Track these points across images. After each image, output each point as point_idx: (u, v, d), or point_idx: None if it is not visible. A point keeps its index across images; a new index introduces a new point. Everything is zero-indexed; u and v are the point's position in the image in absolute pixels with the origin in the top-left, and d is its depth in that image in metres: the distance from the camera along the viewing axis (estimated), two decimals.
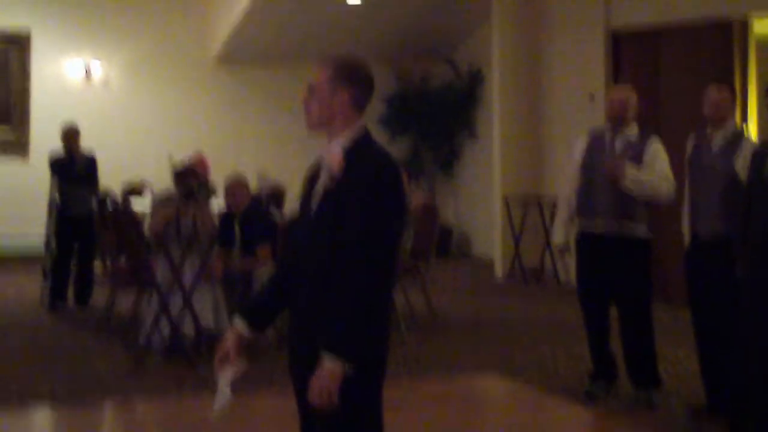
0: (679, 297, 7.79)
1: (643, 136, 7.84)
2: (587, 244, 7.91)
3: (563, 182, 8.45)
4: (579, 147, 8.08)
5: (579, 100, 14.11)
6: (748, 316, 6.36)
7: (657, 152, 7.73)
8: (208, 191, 11.82)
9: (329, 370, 3.77)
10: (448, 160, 18.16)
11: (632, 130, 7.84)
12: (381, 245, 3.86)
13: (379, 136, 16.22)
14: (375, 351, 3.94)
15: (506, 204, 14.87)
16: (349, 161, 3.94)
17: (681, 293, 7.80)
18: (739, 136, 7.31)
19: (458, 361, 9.48)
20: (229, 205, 10.25)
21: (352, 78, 4.04)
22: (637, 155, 7.69)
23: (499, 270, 15.16)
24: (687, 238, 7.48)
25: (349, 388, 3.81)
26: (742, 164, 6.94)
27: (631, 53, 13.58)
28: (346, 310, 3.81)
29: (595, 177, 7.81)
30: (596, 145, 7.94)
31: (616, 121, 7.82)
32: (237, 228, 10.09)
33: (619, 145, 7.79)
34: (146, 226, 10.81)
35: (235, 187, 10.15)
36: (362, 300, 3.82)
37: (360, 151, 3.97)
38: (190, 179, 10.09)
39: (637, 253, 7.74)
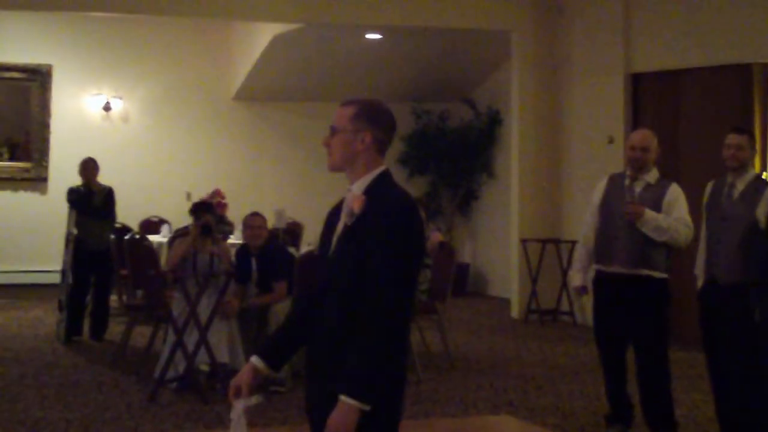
0: (694, 340, 7.74)
1: (663, 181, 7.83)
2: (604, 285, 7.88)
3: (582, 225, 8.43)
4: (598, 190, 8.07)
5: (598, 143, 14.10)
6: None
7: (677, 197, 7.72)
8: (226, 227, 11.86)
9: (346, 410, 3.75)
10: (465, 199, 18.18)
11: (652, 175, 7.83)
12: (399, 287, 3.86)
13: (398, 174, 16.23)
14: (392, 391, 3.92)
15: (523, 244, 14.85)
16: (369, 202, 3.93)
17: (696, 336, 7.75)
18: (761, 182, 7.31)
19: (474, 401, 9.44)
20: (247, 241, 10.26)
21: (375, 120, 4.02)
22: (656, 200, 7.68)
23: (516, 310, 15.12)
24: (700, 281, 7.47)
25: (364, 427, 3.79)
26: (763, 211, 6.93)
27: (651, 96, 13.58)
28: (365, 352, 3.80)
29: (613, 221, 7.80)
30: (616, 189, 7.92)
31: (638, 164, 7.80)
32: (254, 264, 10.10)
33: (638, 189, 7.78)
34: (163, 260, 10.85)
35: (255, 222, 10.16)
36: (381, 341, 3.81)
37: (380, 192, 3.95)
38: (208, 215, 10.11)
39: (655, 294, 7.71)
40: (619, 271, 7.74)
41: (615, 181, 8.01)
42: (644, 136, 7.98)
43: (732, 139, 7.34)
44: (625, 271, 7.71)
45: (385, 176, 4.01)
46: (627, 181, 7.87)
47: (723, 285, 7.19)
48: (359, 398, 3.77)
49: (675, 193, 7.75)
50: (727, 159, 7.29)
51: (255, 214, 10.26)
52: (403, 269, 3.87)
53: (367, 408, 3.75)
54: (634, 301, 7.71)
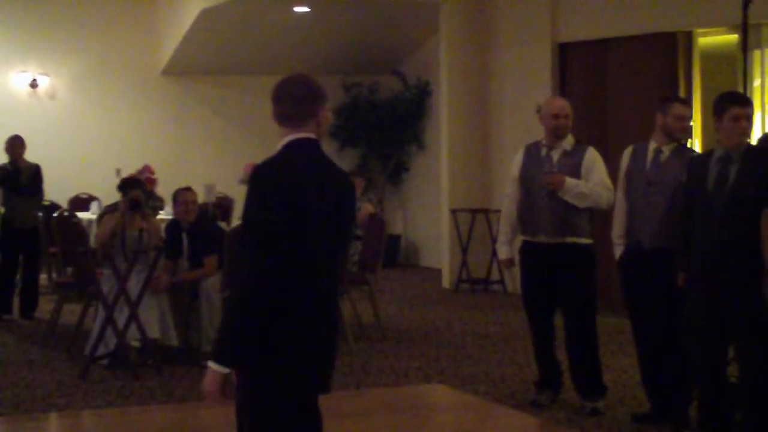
0: (621, 306, 7.85)
1: (579, 147, 7.90)
2: (531, 254, 7.94)
3: (504, 197, 8.47)
4: (516, 162, 8.11)
5: (526, 112, 14.14)
6: (691, 323, 6.47)
7: (594, 161, 7.81)
8: (155, 202, 11.81)
9: (209, 374, 3.99)
10: (396, 170, 18.21)
11: (568, 142, 7.89)
12: (251, 253, 4.01)
13: (328, 147, 16.21)
14: (266, 355, 4.01)
15: (454, 215, 14.92)
16: None
17: (622, 302, 7.85)
18: (686, 149, 7.39)
19: (405, 371, 9.50)
20: (178, 217, 10.22)
21: (275, 96, 4.24)
22: (575, 166, 7.75)
23: (447, 280, 15.20)
24: (619, 248, 7.53)
25: (247, 393, 4.05)
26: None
27: (578, 65, 13.67)
28: (223, 318, 4.07)
29: (534, 191, 7.85)
30: (533, 159, 7.97)
31: (561, 132, 7.86)
32: (185, 239, 10.06)
33: (556, 157, 7.84)
34: (93, 237, 10.79)
35: (186, 198, 10.12)
36: (233, 308, 4.02)
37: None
38: (137, 190, 10.06)
39: (582, 261, 7.79)
40: (545, 241, 7.81)
41: (531, 151, 8.05)
42: (564, 103, 8.07)
43: (683, 110, 7.37)
44: (551, 240, 7.77)
45: (286, 147, 4.16)
46: (544, 150, 7.93)
47: (648, 250, 7.26)
48: (216, 361, 3.97)
49: (592, 157, 7.83)
50: (676, 130, 7.29)
51: (186, 189, 10.22)
52: (253, 236, 4.01)
53: (225, 371, 3.94)
54: (561, 269, 7.79)
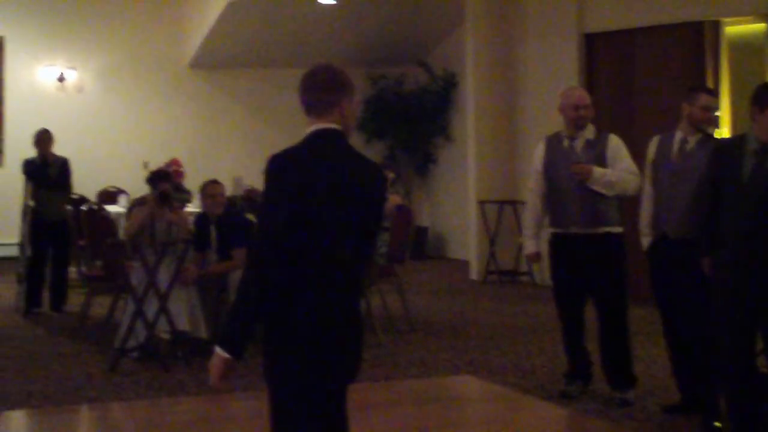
0: (650, 296, 7.80)
1: (601, 135, 7.87)
2: (562, 246, 7.92)
3: (527, 191, 8.44)
4: (538, 155, 8.08)
5: (553, 104, 14.06)
6: (720, 313, 6.42)
7: (618, 148, 7.78)
8: (183, 195, 11.83)
9: (214, 357, 4.04)
10: (423, 162, 18.23)
11: (590, 131, 7.87)
12: (256, 242, 4.08)
13: (355, 139, 16.20)
14: (275, 344, 4.06)
15: (481, 206, 14.91)
16: None
17: (651, 292, 7.80)
18: (712, 139, 7.33)
19: (434, 363, 9.49)
20: (206, 209, 10.23)
21: (300, 85, 4.26)
22: (599, 154, 7.72)
23: (475, 272, 15.20)
24: (647, 238, 7.50)
25: (271, 378, 4.11)
26: None
27: (605, 56, 13.63)
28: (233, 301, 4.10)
29: (561, 183, 7.83)
30: (556, 151, 7.94)
31: (584, 122, 7.83)
32: (213, 231, 10.08)
33: (579, 147, 7.82)
34: (121, 230, 10.81)
35: (214, 191, 10.13)
36: (237, 296, 4.06)
37: None
38: (166, 183, 10.08)
39: (614, 250, 7.76)
40: (578, 232, 7.78)
41: (552, 143, 8.02)
42: (584, 92, 8.06)
43: (709, 100, 7.31)
44: (584, 231, 7.74)
45: (307, 137, 4.18)
46: (566, 142, 7.90)
47: (673, 240, 7.23)
48: (220, 347, 4.01)
49: (616, 144, 7.80)
50: (702, 120, 7.24)
51: (214, 182, 10.23)
52: (262, 224, 4.10)
53: (226, 356, 3.98)
54: (593, 259, 7.75)
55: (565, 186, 7.78)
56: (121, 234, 10.81)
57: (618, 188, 7.65)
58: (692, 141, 7.24)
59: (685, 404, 7.45)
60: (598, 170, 7.62)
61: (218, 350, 4.01)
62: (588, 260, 7.76)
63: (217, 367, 4.02)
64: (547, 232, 8.09)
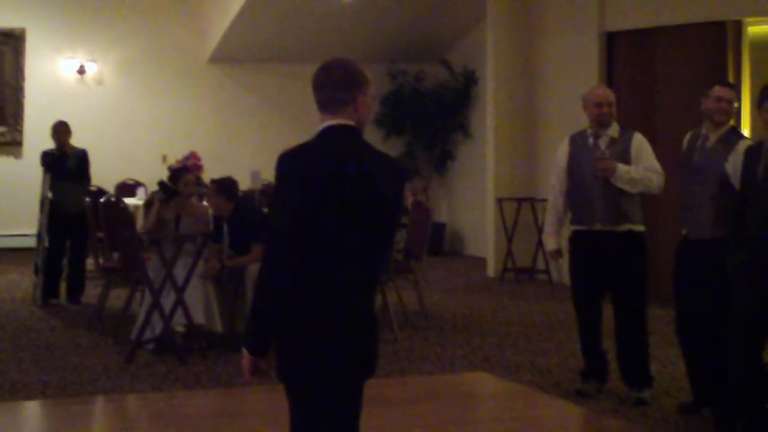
0: (669, 296, 7.78)
1: (625, 133, 7.85)
2: (583, 243, 7.89)
3: (549, 189, 8.43)
4: (562, 153, 8.07)
5: (573, 101, 14.06)
6: (738, 312, 6.40)
7: (642, 146, 7.76)
8: (202, 189, 11.84)
9: (243, 357, 4.05)
10: (441, 159, 18.21)
11: (614, 129, 7.85)
12: (269, 242, 4.06)
13: (374, 135, 16.25)
14: (285, 344, 4.03)
15: (499, 203, 14.89)
16: None
17: (670, 293, 7.77)
18: (734, 135, 7.26)
19: (450, 359, 9.49)
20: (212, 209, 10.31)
21: (313, 82, 4.21)
22: (623, 152, 7.69)
23: (492, 269, 15.18)
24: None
25: (284, 377, 4.06)
26: (732, 165, 6.92)
27: (625, 54, 13.59)
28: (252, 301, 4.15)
29: (585, 180, 7.81)
30: (580, 149, 7.92)
31: (606, 120, 7.81)
32: (226, 228, 10.10)
33: (603, 145, 7.80)
34: (139, 223, 10.83)
35: (210, 193, 10.23)
36: (254, 296, 4.10)
37: None
38: (186, 177, 10.12)
39: (635, 248, 7.73)
40: (601, 229, 7.76)
41: (577, 141, 8.01)
42: (607, 91, 8.04)
43: (723, 92, 7.19)
44: (607, 228, 7.72)
45: (320, 133, 4.14)
46: (590, 140, 7.88)
47: (693, 240, 7.21)
48: (244, 346, 4.04)
49: (640, 142, 7.78)
50: (715, 112, 7.14)
51: (211, 188, 10.29)
52: (273, 224, 4.04)
53: (249, 355, 4.00)
54: (615, 257, 7.72)
55: (589, 183, 7.76)
56: (139, 227, 10.83)
57: (641, 186, 7.62)
58: (712, 138, 7.18)
59: (698, 403, 7.41)
60: (621, 167, 7.60)
61: (244, 350, 4.03)
62: (609, 258, 7.74)
63: (245, 366, 4.04)
64: (568, 230, 8.06)
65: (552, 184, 8.20)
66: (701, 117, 7.31)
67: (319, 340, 3.98)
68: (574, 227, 7.97)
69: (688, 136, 7.48)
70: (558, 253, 8.20)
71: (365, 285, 4.15)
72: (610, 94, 7.92)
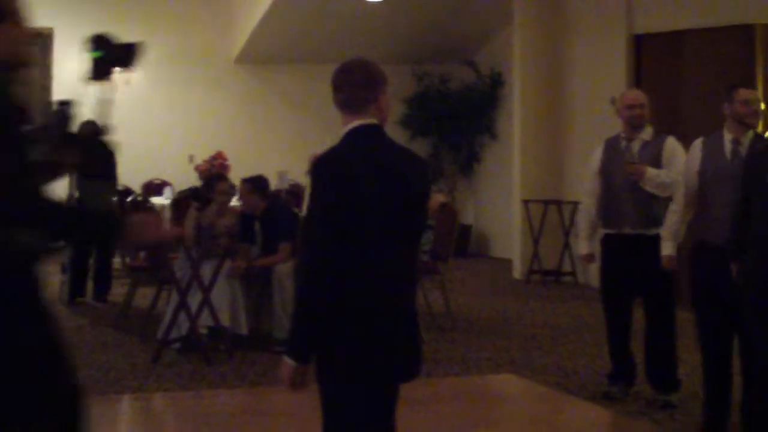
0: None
1: (659, 137, 7.81)
2: (614, 247, 7.87)
3: (582, 193, 8.41)
4: (595, 157, 8.05)
5: (600, 104, 14.04)
6: (749, 316, 6.32)
7: (674, 150, 7.71)
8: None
9: (282, 364, 4.02)
10: (467, 161, 18.18)
11: (647, 133, 7.83)
12: (310, 246, 4.03)
13: (399, 136, 16.24)
14: (331, 347, 4.00)
15: (525, 205, 14.87)
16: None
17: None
18: (762, 138, 7.15)
19: (476, 361, 9.48)
20: (243, 207, 10.30)
21: (334, 81, 4.20)
22: (655, 156, 7.65)
23: (518, 271, 15.16)
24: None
25: (323, 382, 4.04)
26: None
27: (653, 57, 13.54)
28: (294, 308, 4.08)
29: (616, 184, 7.79)
30: (613, 152, 7.90)
31: (638, 122, 7.79)
32: (258, 227, 10.11)
33: (636, 148, 7.77)
34: (166, 222, 10.84)
35: (243, 191, 10.22)
36: (295, 302, 4.07)
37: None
38: (221, 185, 10.13)
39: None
40: (630, 233, 7.74)
41: (611, 144, 7.99)
42: (639, 93, 8.01)
43: (748, 94, 7.07)
44: (635, 232, 7.70)
45: (348, 135, 4.12)
46: (623, 143, 7.86)
47: (715, 247, 6.96)
48: (287, 355, 4.00)
49: (672, 146, 7.73)
50: (746, 115, 6.99)
51: (244, 185, 10.29)
52: (314, 229, 4.00)
53: (291, 363, 3.96)
54: (644, 261, 7.68)
55: (619, 186, 7.74)
56: (167, 226, 10.85)
57: (670, 190, 7.55)
58: (745, 142, 7.05)
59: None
60: (651, 171, 7.56)
61: (286, 358, 4.00)
62: (639, 262, 7.71)
63: (286, 375, 4.00)
64: (600, 234, 8.04)
65: (584, 188, 8.18)
66: (726, 120, 7.19)
67: (360, 342, 3.98)
68: (605, 230, 7.95)
69: (699, 144, 7.26)
70: (590, 257, 8.18)
71: (406, 285, 4.16)
72: (642, 96, 7.90)
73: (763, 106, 7.30)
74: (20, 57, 4.30)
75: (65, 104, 5.00)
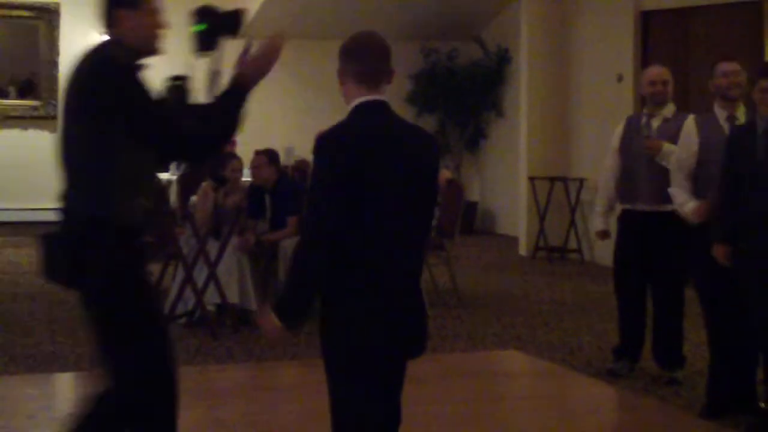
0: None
1: (680, 115, 7.78)
2: (630, 222, 7.89)
3: (600, 168, 8.41)
4: (616, 134, 8.06)
5: (607, 81, 14.06)
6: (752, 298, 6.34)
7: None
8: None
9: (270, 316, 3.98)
10: (474, 137, 18.17)
11: (669, 110, 7.82)
12: (307, 218, 4.03)
13: (406, 113, 16.22)
14: (325, 319, 4.00)
15: (531, 182, 14.87)
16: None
17: None
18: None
19: (481, 337, 9.50)
20: (255, 180, 10.28)
21: (344, 53, 4.12)
22: (675, 133, 7.57)
23: (524, 247, 15.18)
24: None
25: (326, 357, 4.03)
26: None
27: (660, 33, 13.52)
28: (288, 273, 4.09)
29: (634, 160, 7.81)
30: (633, 129, 7.91)
31: (659, 98, 7.78)
32: (268, 201, 10.12)
33: (656, 124, 7.77)
34: (173, 197, 10.84)
35: (259, 162, 10.18)
36: (291, 265, 4.03)
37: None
38: (233, 163, 10.12)
39: (677, 230, 7.62)
40: (645, 209, 7.76)
41: (632, 121, 8.02)
42: (662, 69, 7.95)
43: (728, 66, 7.00)
44: (650, 208, 7.72)
45: (356, 109, 4.04)
46: (644, 119, 7.86)
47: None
48: (276, 314, 3.95)
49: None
50: (728, 87, 6.95)
51: (259, 155, 10.28)
52: (315, 204, 3.94)
53: (277, 322, 3.92)
54: (658, 237, 7.71)
55: (637, 161, 7.75)
56: (173, 202, 10.86)
57: None
58: (741, 117, 7.02)
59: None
60: (667, 146, 7.53)
61: (272, 316, 3.95)
62: (653, 238, 7.72)
63: (268, 327, 3.96)
64: (618, 210, 8.05)
65: (604, 164, 8.18)
66: (712, 99, 7.15)
67: (365, 318, 3.94)
68: (622, 206, 7.97)
69: (692, 121, 7.21)
70: (605, 233, 8.19)
71: (412, 261, 4.12)
72: (665, 73, 7.87)
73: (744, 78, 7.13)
74: (150, 46, 4.41)
75: (181, 79, 5.02)
